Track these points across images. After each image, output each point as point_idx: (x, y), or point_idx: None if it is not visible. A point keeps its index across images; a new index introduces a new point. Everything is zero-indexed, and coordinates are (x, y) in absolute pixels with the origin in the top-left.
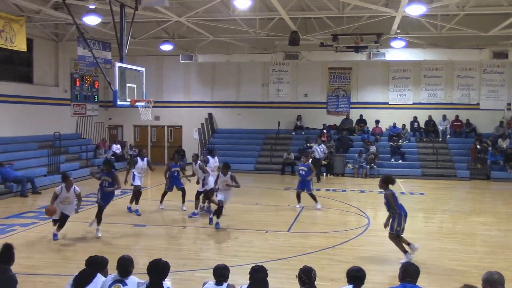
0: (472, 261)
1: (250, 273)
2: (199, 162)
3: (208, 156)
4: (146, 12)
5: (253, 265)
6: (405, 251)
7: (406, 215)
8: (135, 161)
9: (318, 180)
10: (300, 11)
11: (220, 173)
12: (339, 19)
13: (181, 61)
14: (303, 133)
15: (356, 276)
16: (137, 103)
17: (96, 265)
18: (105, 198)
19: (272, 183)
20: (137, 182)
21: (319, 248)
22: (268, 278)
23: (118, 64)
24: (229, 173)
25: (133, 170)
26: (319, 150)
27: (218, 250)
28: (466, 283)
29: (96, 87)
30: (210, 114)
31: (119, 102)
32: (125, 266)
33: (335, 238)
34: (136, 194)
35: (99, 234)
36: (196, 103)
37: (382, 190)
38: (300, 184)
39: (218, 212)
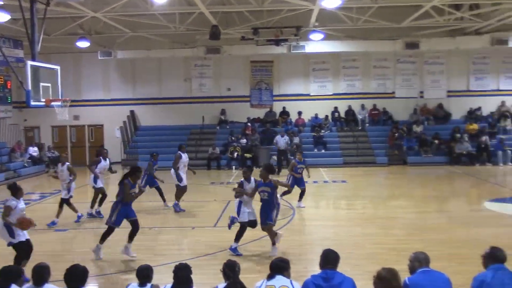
0: (391, 244)
1: (173, 271)
2: (66, 163)
3: (180, 152)
4: (59, 7)
5: (179, 262)
6: (274, 243)
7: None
8: (97, 160)
9: (278, 172)
10: (220, 5)
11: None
12: (259, 12)
13: (99, 58)
14: (227, 127)
15: (280, 266)
16: (52, 103)
17: (9, 275)
18: None
19: (198, 179)
20: (100, 184)
21: (246, 241)
22: (194, 275)
23: (30, 62)
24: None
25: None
26: (283, 141)
27: (144, 250)
28: (384, 266)
29: (9, 87)
30: (132, 112)
31: (32, 103)
32: (40, 274)
33: (261, 230)
34: (102, 197)
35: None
36: (117, 101)
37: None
38: (294, 181)
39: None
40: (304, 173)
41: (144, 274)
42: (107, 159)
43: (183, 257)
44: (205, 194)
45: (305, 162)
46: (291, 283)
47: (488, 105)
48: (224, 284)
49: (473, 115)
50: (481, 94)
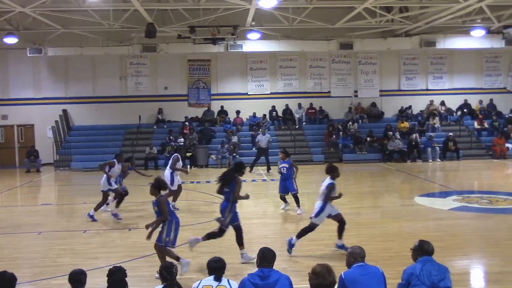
0: (327, 240)
1: (107, 275)
2: None
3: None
4: None
5: (113, 266)
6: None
7: (178, 224)
8: (112, 163)
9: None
10: (156, 2)
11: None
12: (196, 11)
13: (28, 54)
14: (165, 126)
15: (215, 266)
16: None
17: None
18: None
19: (135, 179)
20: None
21: (184, 241)
22: (130, 278)
23: None
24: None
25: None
26: (265, 139)
27: (78, 254)
28: (318, 263)
29: None
30: (65, 111)
31: None
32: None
33: (200, 230)
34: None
35: None
36: (48, 100)
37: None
38: (282, 186)
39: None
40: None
41: (77, 278)
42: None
43: (118, 260)
44: (143, 195)
45: (289, 162)
46: (228, 283)
47: (418, 104)
48: (161, 286)
49: (404, 113)
50: (411, 94)
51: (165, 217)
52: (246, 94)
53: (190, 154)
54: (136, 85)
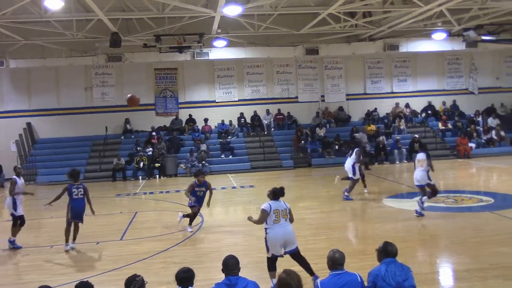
0: (298, 245)
1: None
2: None
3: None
4: None
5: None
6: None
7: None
8: (14, 181)
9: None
10: (120, 11)
11: None
12: (161, 19)
13: None
14: (132, 136)
15: (183, 277)
16: None
17: None
18: None
19: (103, 191)
20: (20, 210)
21: (154, 252)
22: None
23: None
24: None
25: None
26: None
27: (45, 269)
28: (285, 268)
29: None
30: (29, 124)
31: None
32: None
33: (170, 240)
34: (21, 223)
35: None
36: (11, 113)
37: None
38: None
39: None
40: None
41: None
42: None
43: (86, 275)
44: (111, 206)
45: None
46: None
47: (384, 107)
48: None
49: (370, 116)
50: (377, 97)
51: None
52: (214, 101)
53: (159, 164)
54: (102, 96)
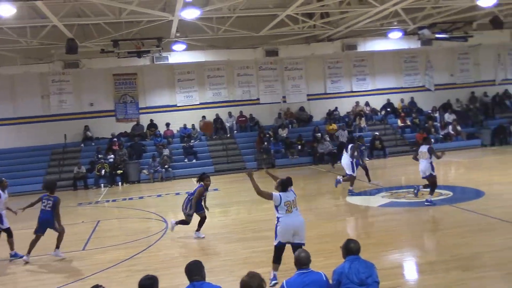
0: (264, 247)
1: None
2: None
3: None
4: None
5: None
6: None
7: None
8: None
9: None
10: (75, 17)
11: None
12: (118, 24)
13: None
14: (93, 144)
15: (146, 284)
16: None
17: None
18: None
19: (64, 201)
20: (6, 223)
21: (117, 261)
22: None
23: None
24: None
25: None
26: None
27: (7, 284)
28: (250, 270)
29: None
30: None
31: None
32: None
33: (134, 248)
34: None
35: None
36: None
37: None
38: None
39: None
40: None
41: None
42: (6, 190)
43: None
44: (73, 216)
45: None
46: None
47: (344, 106)
48: None
49: (331, 116)
50: (337, 96)
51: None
52: (176, 106)
53: (121, 171)
54: (60, 103)
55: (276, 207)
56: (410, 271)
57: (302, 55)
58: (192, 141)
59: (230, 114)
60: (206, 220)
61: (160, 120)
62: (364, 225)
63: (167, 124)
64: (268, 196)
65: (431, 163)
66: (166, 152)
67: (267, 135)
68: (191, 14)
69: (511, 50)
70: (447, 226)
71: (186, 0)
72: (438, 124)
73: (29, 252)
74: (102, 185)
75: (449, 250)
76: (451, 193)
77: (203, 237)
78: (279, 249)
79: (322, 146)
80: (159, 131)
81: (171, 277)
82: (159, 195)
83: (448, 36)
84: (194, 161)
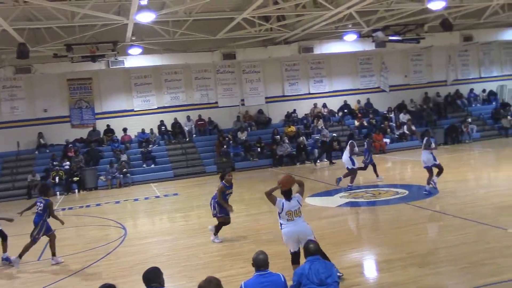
0: (225, 250)
1: None
2: None
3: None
4: None
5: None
6: None
7: None
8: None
9: None
10: (26, 21)
11: None
12: (71, 28)
13: None
14: (47, 151)
15: None
16: None
17: None
18: None
19: (17, 210)
20: None
21: (76, 270)
22: None
23: None
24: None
25: None
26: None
27: None
28: (209, 275)
29: None
30: None
31: None
32: None
33: (92, 256)
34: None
35: None
36: None
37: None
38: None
39: None
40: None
41: None
42: None
43: None
44: (28, 225)
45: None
46: None
47: (303, 108)
48: None
49: (290, 118)
50: (295, 98)
51: None
52: (133, 110)
53: (77, 177)
54: (12, 110)
55: (279, 213)
56: (369, 269)
57: (260, 58)
58: (150, 146)
59: (188, 118)
60: (167, 225)
61: (117, 125)
62: (323, 225)
63: (125, 129)
64: (273, 201)
65: (432, 153)
66: (124, 157)
67: (227, 138)
68: (146, 17)
69: (461, 52)
70: (403, 224)
71: (141, 4)
72: (394, 124)
73: (20, 255)
74: (58, 193)
75: (405, 248)
76: (406, 192)
77: (220, 242)
78: (295, 254)
79: (281, 148)
80: (116, 137)
81: (130, 285)
82: (118, 202)
83: (401, 38)
84: (152, 166)
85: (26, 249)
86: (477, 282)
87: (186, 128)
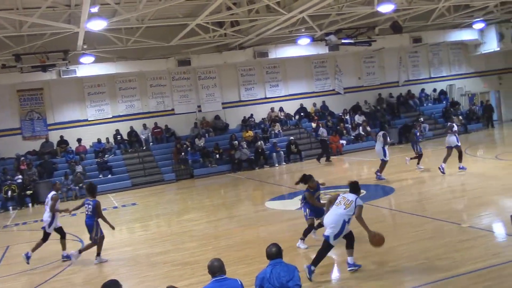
0: (185, 258)
1: None
2: None
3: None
4: None
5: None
6: None
7: None
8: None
9: None
10: None
11: None
12: (19, 37)
13: None
14: None
15: None
16: None
17: None
18: None
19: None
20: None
21: (32, 287)
22: None
23: None
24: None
25: None
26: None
27: None
28: (169, 284)
29: None
30: None
31: None
32: None
33: (49, 271)
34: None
35: None
36: None
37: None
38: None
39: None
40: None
41: None
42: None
43: None
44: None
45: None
46: None
47: (259, 113)
48: None
49: (247, 123)
50: (252, 103)
51: None
52: (87, 120)
53: (30, 191)
54: None
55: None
56: (330, 269)
57: (215, 64)
58: (106, 155)
59: (144, 126)
60: (126, 236)
61: (71, 136)
62: (284, 229)
63: (79, 140)
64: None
65: (456, 135)
66: (79, 168)
67: (184, 145)
68: (97, 25)
69: (411, 53)
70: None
71: (92, 11)
72: (349, 126)
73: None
74: (10, 207)
75: (364, 246)
76: (364, 191)
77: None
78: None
79: (240, 153)
80: (70, 148)
81: None
82: (74, 215)
83: (353, 41)
84: (109, 176)
85: (86, 248)
86: (434, 276)
87: (142, 137)
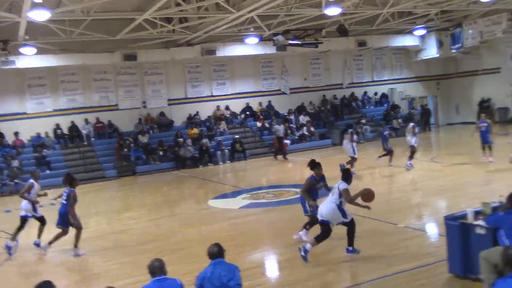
0: (124, 257)
1: None
2: None
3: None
4: None
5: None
6: None
7: None
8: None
9: None
10: None
11: None
12: None
13: None
14: None
15: None
16: None
17: None
18: None
19: None
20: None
21: None
22: None
23: None
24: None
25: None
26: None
27: None
28: (108, 285)
29: None
30: None
31: None
32: None
33: None
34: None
35: None
36: None
37: None
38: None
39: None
40: None
41: None
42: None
43: None
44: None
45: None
46: None
47: (205, 110)
48: None
49: (192, 120)
50: (198, 101)
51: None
52: (25, 113)
53: None
54: None
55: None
56: (270, 269)
57: (162, 60)
58: (45, 150)
59: (86, 121)
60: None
61: (8, 129)
62: (226, 227)
63: (16, 133)
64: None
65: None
66: (15, 163)
67: (127, 142)
68: (40, 15)
69: (356, 56)
70: (302, 223)
71: (35, 1)
72: (294, 126)
73: (50, 242)
74: None
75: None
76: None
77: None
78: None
79: (184, 151)
80: (6, 141)
81: None
82: (8, 211)
83: (300, 43)
84: (47, 171)
85: (76, 238)
86: (374, 274)
87: (84, 131)
